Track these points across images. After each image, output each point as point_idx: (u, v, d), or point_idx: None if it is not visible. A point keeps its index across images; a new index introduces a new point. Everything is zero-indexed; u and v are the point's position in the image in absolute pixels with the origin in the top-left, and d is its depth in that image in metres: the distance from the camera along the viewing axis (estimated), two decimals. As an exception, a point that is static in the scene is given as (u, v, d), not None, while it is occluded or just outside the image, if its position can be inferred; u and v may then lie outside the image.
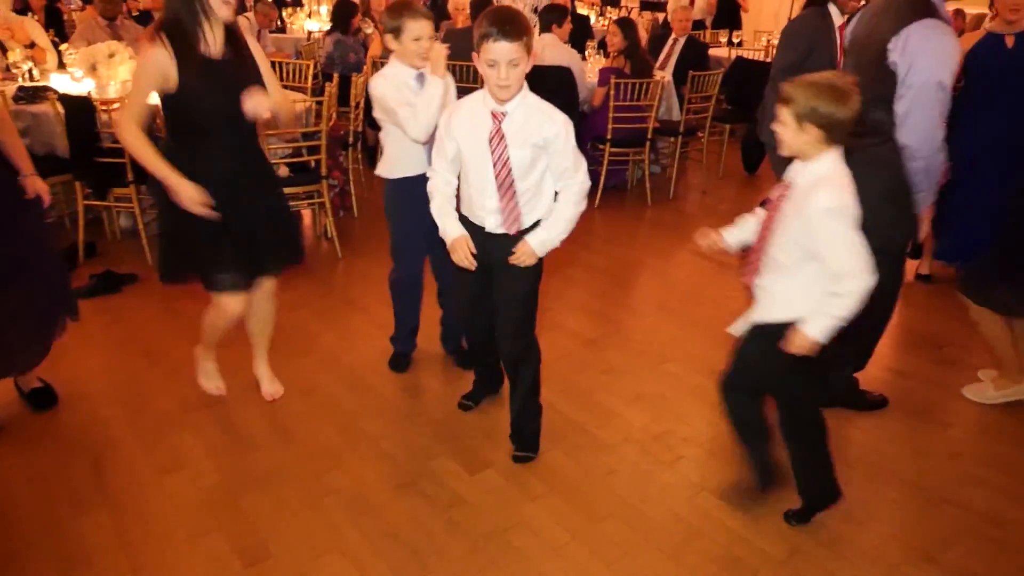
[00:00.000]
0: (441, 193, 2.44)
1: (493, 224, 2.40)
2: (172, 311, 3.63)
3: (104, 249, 4.33)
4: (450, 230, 2.41)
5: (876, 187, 2.49)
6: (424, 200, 2.49)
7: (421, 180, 2.55)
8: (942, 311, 3.74)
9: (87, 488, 2.46)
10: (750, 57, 6.89)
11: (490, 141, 2.30)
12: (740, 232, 2.33)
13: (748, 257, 2.24)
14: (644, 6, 10.85)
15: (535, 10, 6.44)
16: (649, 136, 5.37)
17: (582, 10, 8.70)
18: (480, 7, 5.87)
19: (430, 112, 2.59)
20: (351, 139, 4.95)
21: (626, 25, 5.44)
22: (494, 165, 2.32)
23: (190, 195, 2.37)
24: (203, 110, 2.39)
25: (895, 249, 2.75)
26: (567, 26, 5.57)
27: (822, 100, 1.95)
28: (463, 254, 2.37)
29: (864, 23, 2.76)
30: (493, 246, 2.41)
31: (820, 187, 2.00)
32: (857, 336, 2.76)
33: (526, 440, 2.68)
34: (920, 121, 2.51)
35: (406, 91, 2.71)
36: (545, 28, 5.51)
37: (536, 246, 2.38)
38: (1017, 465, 2.72)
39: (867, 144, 2.69)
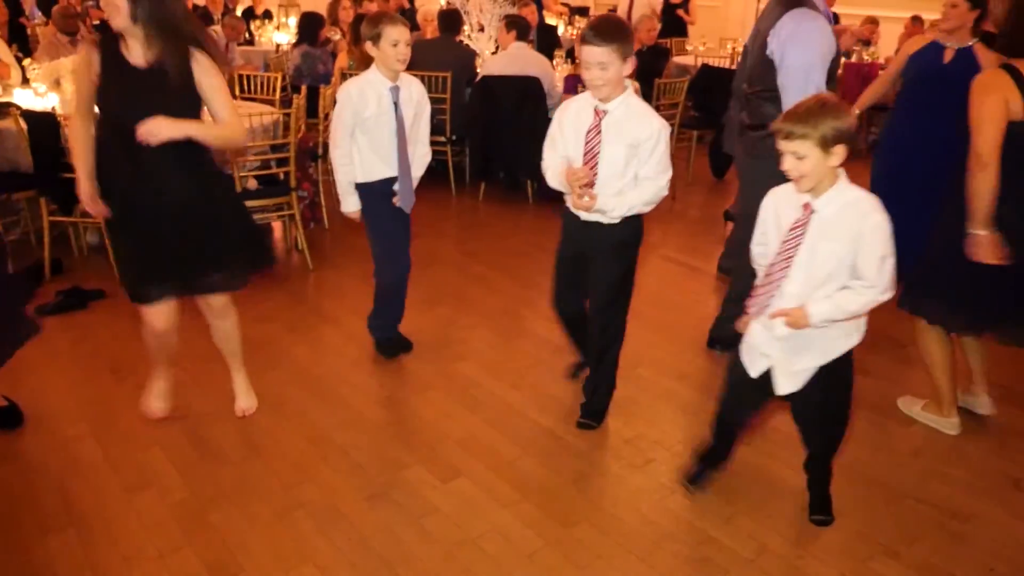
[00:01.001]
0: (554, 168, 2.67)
1: (576, 209, 2.65)
2: (140, 327, 3.58)
3: (71, 265, 4.28)
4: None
5: (765, 176, 2.73)
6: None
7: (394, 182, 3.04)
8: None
9: (54, 507, 2.43)
10: (716, 64, 6.99)
11: (587, 133, 2.54)
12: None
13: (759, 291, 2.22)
14: (574, 12, 10.95)
15: (503, 20, 6.49)
16: (617, 143, 5.43)
17: (550, 20, 8.76)
18: (448, 19, 5.92)
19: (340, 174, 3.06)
20: (320, 150, 4.94)
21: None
22: (584, 155, 2.55)
23: (85, 191, 2.48)
24: (106, 113, 2.45)
25: None
26: (530, 36, 5.66)
27: (835, 119, 1.97)
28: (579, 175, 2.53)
29: (755, 27, 2.96)
30: (585, 235, 2.67)
31: (862, 204, 2.05)
32: None
33: (595, 412, 2.93)
34: (793, 99, 2.62)
35: (373, 104, 2.95)
36: (520, 36, 5.57)
37: (601, 202, 2.55)
38: (978, 461, 2.79)
39: (759, 136, 2.91)
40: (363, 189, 3.10)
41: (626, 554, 2.30)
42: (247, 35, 8.07)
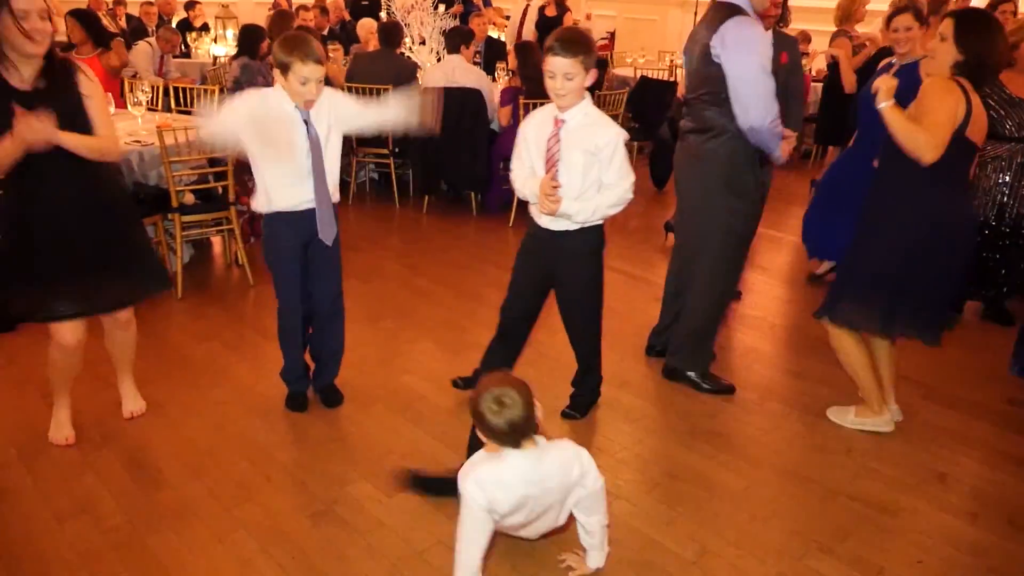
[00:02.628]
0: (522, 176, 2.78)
1: (545, 220, 2.74)
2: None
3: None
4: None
5: (697, 178, 3.11)
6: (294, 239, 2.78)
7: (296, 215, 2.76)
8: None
9: (-20, 539, 2.34)
10: (654, 77, 7.14)
11: (548, 141, 2.65)
12: None
13: None
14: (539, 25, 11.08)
15: (443, 33, 6.51)
16: (559, 155, 5.49)
17: (493, 32, 8.84)
18: (389, 32, 5.92)
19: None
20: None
21: (521, 49, 5.62)
22: (545, 163, 2.66)
23: None
24: None
25: (738, 233, 3.16)
26: (473, 47, 5.69)
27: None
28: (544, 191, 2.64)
29: (692, 35, 3.12)
30: (554, 245, 2.77)
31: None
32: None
33: (581, 407, 3.10)
34: (752, 103, 2.87)
35: (275, 123, 2.61)
36: (453, 50, 5.59)
37: (565, 205, 2.64)
38: (907, 457, 2.91)
39: (701, 140, 3.06)
40: (266, 219, 2.82)
41: (571, 562, 2.33)
42: (183, 47, 7.91)
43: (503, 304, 2.99)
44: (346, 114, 2.81)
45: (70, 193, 2.50)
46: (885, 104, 2.63)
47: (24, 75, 2.39)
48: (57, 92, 2.42)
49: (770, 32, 3.10)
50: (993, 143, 3.75)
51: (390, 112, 2.83)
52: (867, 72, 4.73)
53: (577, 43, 2.52)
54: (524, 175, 2.76)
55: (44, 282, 2.52)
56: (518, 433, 1.96)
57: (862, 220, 2.89)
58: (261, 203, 2.77)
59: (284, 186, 2.72)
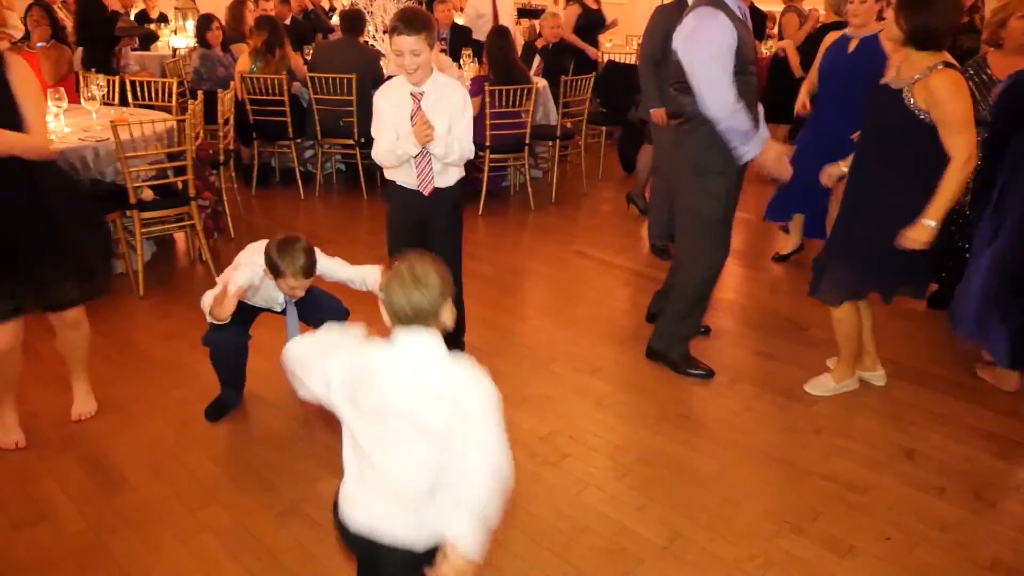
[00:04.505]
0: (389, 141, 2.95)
1: (416, 183, 3.02)
2: (29, 353, 3.38)
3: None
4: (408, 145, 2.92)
5: (675, 162, 3.14)
6: None
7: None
8: (804, 294, 3.96)
9: (-67, 551, 2.27)
10: (621, 61, 7.11)
11: (411, 118, 2.88)
12: None
13: None
14: (521, 13, 11.02)
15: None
16: (527, 141, 5.46)
17: (459, 19, 8.73)
18: (351, 20, 5.82)
19: None
20: (222, 157, 4.78)
21: (489, 34, 5.53)
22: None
23: None
24: None
25: (705, 216, 3.13)
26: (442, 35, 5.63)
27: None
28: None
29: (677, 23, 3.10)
30: (425, 201, 3.05)
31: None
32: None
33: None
34: (706, 92, 2.89)
35: (261, 291, 2.83)
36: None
37: (437, 148, 2.92)
38: (875, 435, 2.93)
39: (676, 125, 3.18)
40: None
41: (542, 551, 2.31)
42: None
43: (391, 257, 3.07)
44: (323, 270, 2.86)
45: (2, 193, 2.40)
46: (931, 224, 2.69)
47: None
48: None
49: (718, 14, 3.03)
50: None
51: (358, 277, 2.96)
52: (811, 45, 4.71)
53: (419, 21, 2.73)
54: (391, 142, 2.93)
55: None
56: (420, 319, 1.52)
57: (851, 201, 2.92)
58: None
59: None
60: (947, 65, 2.64)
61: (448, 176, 3.06)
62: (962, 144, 2.62)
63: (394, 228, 3.20)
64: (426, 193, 3.04)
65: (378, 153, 3.00)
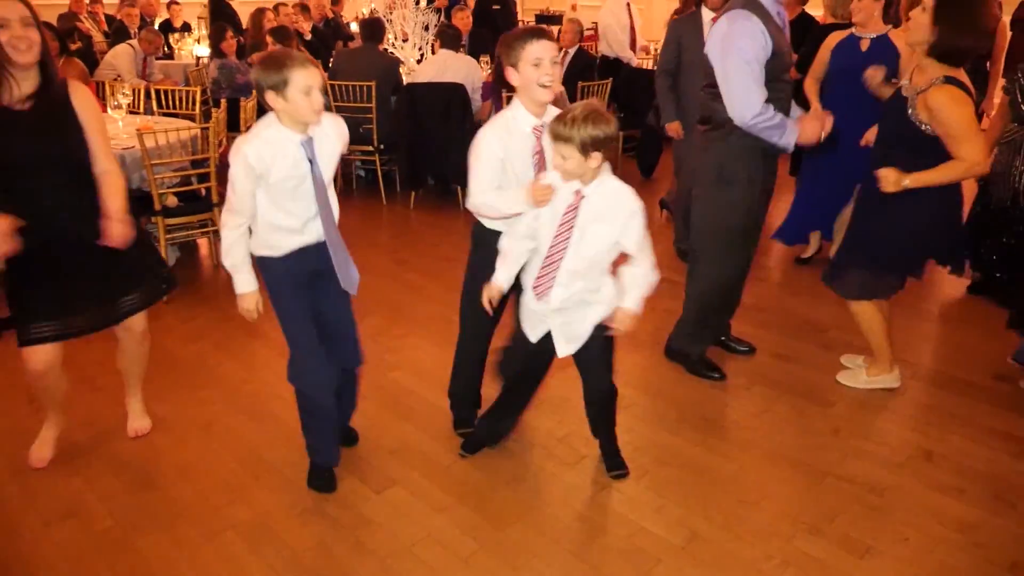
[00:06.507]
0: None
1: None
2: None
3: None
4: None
5: (700, 168, 3.03)
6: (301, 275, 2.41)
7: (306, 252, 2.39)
8: (823, 296, 3.94)
9: (-33, 547, 2.33)
10: (637, 66, 7.12)
11: (533, 156, 2.48)
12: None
13: None
14: (540, 19, 11.09)
15: (426, 28, 6.50)
16: (545, 146, 5.49)
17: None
18: (371, 28, 5.90)
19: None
20: (244, 165, 4.85)
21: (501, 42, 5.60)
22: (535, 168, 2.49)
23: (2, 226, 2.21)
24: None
25: (728, 225, 3.10)
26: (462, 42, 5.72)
27: (594, 128, 2.16)
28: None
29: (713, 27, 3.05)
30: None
31: (622, 193, 2.33)
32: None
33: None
34: (735, 98, 2.84)
35: (281, 167, 2.23)
36: (446, 45, 5.62)
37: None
38: (893, 436, 2.92)
39: (704, 131, 3.10)
40: (265, 264, 2.42)
41: (561, 551, 2.33)
42: (166, 48, 7.88)
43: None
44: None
45: (65, 222, 2.41)
46: (906, 183, 2.70)
47: (23, 90, 2.29)
48: (50, 111, 2.33)
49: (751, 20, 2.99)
50: (1021, 128, 3.58)
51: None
52: (810, 48, 4.62)
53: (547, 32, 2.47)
54: (492, 183, 2.49)
55: (55, 299, 2.44)
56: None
57: (865, 204, 2.94)
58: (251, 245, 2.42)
59: (283, 229, 2.36)
60: (948, 80, 2.63)
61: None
62: (966, 151, 2.64)
63: (478, 278, 2.57)
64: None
65: (476, 204, 2.53)
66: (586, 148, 2.18)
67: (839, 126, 3.03)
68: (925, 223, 2.83)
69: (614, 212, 2.31)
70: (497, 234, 2.55)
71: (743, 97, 2.83)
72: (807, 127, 2.90)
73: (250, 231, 2.37)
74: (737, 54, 2.81)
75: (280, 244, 2.37)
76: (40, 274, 2.43)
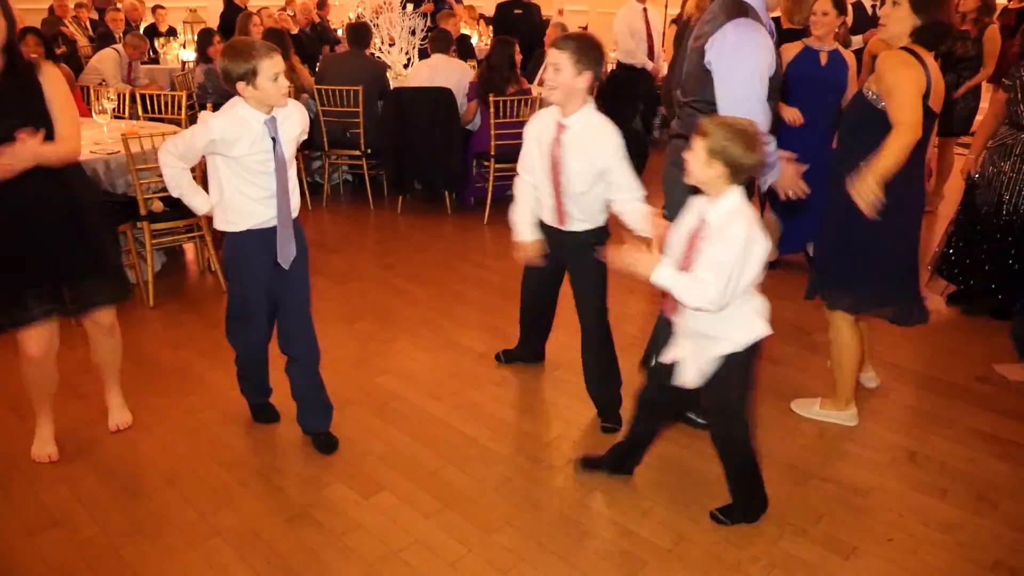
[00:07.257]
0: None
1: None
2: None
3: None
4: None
5: (677, 185, 2.65)
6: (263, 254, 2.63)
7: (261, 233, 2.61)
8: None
9: (-50, 557, 2.31)
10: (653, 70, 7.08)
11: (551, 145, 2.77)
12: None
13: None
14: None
15: (412, 32, 6.50)
16: (532, 150, 5.50)
17: (465, 30, 8.82)
18: (357, 33, 5.89)
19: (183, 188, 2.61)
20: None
21: (495, 43, 5.64)
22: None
23: None
24: None
25: None
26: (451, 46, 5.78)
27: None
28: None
29: (695, 32, 2.82)
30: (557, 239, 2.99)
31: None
32: None
33: (609, 409, 3.03)
34: (741, 115, 2.56)
35: (246, 137, 2.47)
36: (438, 49, 5.64)
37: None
38: (878, 437, 2.95)
39: (684, 147, 2.85)
40: (228, 238, 2.64)
41: (548, 555, 2.34)
42: (151, 53, 7.84)
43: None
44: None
45: (34, 194, 2.45)
46: (870, 180, 2.56)
47: None
48: (18, 92, 2.38)
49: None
50: (1013, 131, 3.60)
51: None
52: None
53: (571, 39, 2.67)
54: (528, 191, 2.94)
55: (9, 289, 2.48)
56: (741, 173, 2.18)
57: (833, 207, 2.85)
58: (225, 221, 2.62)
59: (245, 206, 2.57)
60: (907, 49, 2.60)
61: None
62: (896, 108, 2.54)
63: (530, 269, 3.15)
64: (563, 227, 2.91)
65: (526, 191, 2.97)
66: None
67: (798, 133, 2.98)
68: (892, 223, 2.69)
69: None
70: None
71: (750, 115, 2.41)
72: (787, 177, 2.80)
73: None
74: (749, 68, 2.54)
75: (245, 213, 2.58)
76: (9, 248, 2.46)
